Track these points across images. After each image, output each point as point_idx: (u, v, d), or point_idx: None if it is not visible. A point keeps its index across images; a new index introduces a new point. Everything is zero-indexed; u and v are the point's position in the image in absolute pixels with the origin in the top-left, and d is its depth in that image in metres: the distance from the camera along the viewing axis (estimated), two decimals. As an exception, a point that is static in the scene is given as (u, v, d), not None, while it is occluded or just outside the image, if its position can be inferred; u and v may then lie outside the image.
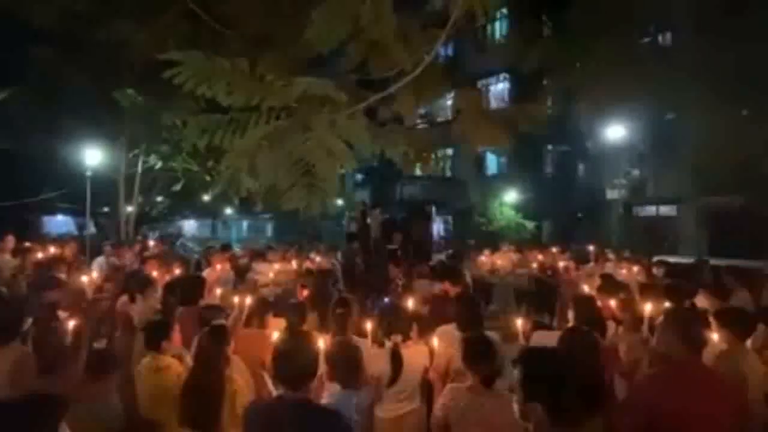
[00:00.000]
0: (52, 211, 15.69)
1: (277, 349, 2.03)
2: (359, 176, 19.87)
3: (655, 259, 6.65)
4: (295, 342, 2.10)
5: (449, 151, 18.95)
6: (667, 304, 3.30)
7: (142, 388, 2.57)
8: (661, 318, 2.31)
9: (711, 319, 2.77)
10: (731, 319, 2.67)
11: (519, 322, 3.05)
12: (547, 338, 2.69)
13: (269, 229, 25.01)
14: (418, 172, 15.35)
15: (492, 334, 2.69)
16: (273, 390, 2.46)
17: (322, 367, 2.24)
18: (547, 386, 1.46)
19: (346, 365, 2.31)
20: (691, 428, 1.91)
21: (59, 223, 17.20)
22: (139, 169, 10.65)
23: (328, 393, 2.32)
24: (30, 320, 2.99)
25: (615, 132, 12.14)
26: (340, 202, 15.68)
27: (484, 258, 8.24)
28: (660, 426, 1.94)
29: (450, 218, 17.92)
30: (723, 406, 1.97)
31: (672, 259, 7.16)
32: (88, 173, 9.03)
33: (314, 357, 2.03)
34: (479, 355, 2.32)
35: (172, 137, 9.41)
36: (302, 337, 2.18)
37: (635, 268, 6.24)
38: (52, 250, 6.38)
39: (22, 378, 2.52)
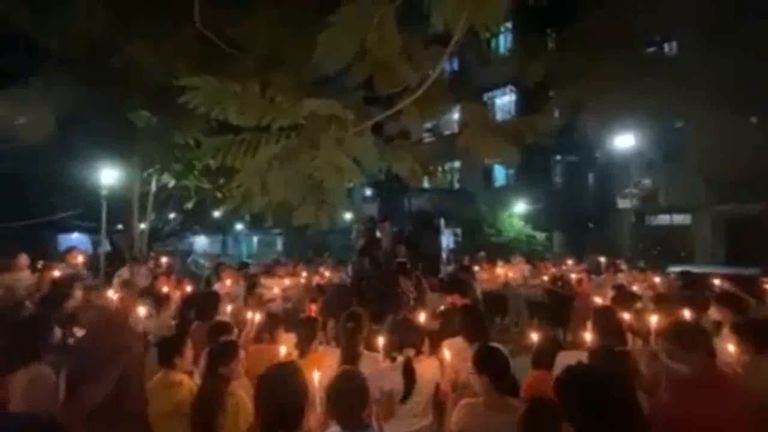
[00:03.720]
0: (68, 229, 16.05)
1: (260, 382, 1.80)
2: (367, 190, 19.98)
3: (674, 269, 6.52)
4: (278, 375, 1.82)
5: (456, 164, 18.98)
6: (686, 314, 3.24)
7: (154, 405, 2.59)
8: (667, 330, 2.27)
9: (729, 330, 2.71)
10: (753, 331, 2.60)
11: (534, 337, 3.01)
12: (573, 359, 2.60)
13: (279, 244, 25.17)
14: (425, 184, 15.37)
15: (498, 346, 2.64)
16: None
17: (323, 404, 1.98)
18: (578, 406, 1.42)
19: (348, 402, 1.92)
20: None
21: (74, 241, 17.53)
22: (153, 187, 10.87)
23: None
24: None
25: (624, 141, 12.07)
26: (348, 216, 15.76)
27: (498, 270, 8.18)
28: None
29: (459, 230, 17.85)
30: (737, 416, 1.92)
31: (690, 269, 7.00)
32: (104, 192, 9.25)
33: (301, 392, 1.78)
34: (497, 365, 2.28)
35: (184, 156, 9.61)
36: (288, 368, 1.91)
37: (656, 279, 6.11)
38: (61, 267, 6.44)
39: (37, 399, 2.53)
